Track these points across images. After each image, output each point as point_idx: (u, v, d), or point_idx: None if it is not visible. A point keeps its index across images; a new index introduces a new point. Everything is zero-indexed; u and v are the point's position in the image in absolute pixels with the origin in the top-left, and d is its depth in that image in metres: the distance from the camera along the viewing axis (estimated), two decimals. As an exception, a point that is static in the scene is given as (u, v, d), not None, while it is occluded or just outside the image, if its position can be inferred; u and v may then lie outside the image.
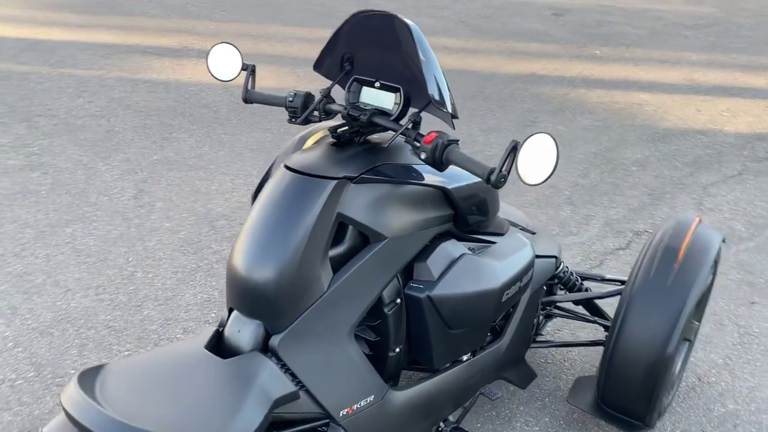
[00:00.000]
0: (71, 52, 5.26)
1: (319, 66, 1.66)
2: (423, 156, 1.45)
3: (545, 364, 2.29)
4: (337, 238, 1.45)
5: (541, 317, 2.11)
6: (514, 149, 1.32)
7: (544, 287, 2.05)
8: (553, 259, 2.03)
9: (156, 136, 3.97)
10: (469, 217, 1.70)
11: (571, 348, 2.29)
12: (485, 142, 4.10)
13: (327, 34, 1.59)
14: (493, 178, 1.34)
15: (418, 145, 1.46)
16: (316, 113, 1.62)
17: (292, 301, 1.38)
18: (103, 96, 4.49)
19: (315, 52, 1.63)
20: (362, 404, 1.49)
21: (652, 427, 1.91)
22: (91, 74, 4.85)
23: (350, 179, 1.44)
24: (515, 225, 2.04)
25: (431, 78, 1.46)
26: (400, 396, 1.60)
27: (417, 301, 1.57)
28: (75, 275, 2.71)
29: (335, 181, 1.42)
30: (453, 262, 1.62)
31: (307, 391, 1.41)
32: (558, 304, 2.17)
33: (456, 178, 1.63)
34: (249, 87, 1.74)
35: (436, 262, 1.61)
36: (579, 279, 2.19)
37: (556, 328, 2.46)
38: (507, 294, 1.70)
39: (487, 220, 1.82)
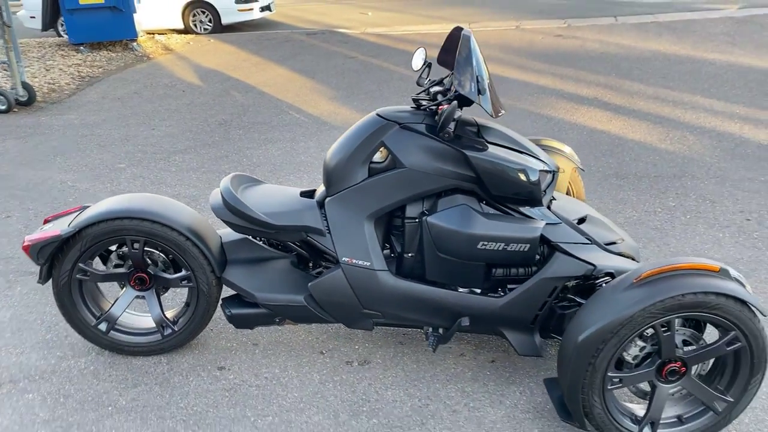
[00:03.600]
0: (520, 90, 6.81)
1: (440, 62, 2.53)
2: (435, 118, 2.21)
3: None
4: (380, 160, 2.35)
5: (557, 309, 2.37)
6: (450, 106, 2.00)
7: (569, 283, 2.33)
8: (587, 266, 2.28)
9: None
10: (492, 187, 2.27)
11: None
12: None
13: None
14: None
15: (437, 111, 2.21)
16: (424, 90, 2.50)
17: (338, 181, 2.37)
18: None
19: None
20: (359, 263, 2.35)
21: (585, 429, 2.06)
22: (519, 105, 6.26)
23: (398, 124, 2.31)
24: (578, 229, 2.37)
25: (458, 73, 2.18)
26: (393, 280, 2.35)
27: (421, 222, 2.31)
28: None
29: (386, 122, 2.32)
30: (454, 206, 2.28)
31: (331, 236, 2.38)
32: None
33: (490, 155, 2.25)
34: (422, 75, 2.69)
35: (444, 202, 2.31)
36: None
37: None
38: (483, 245, 2.23)
39: (522, 203, 2.31)
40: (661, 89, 6.64)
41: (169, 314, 2.59)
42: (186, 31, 11.31)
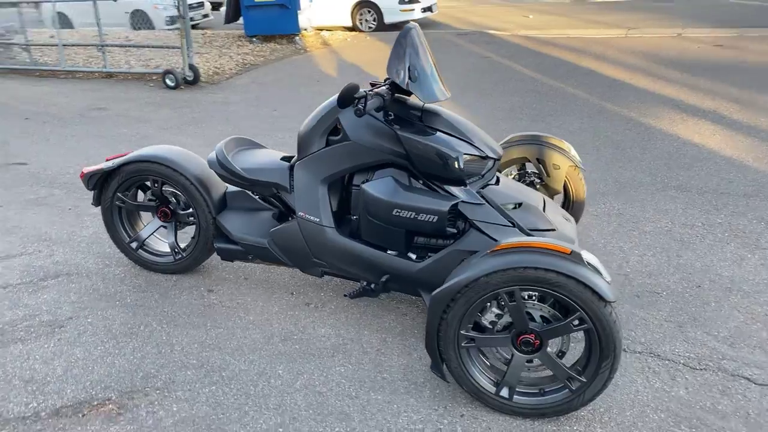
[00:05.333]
0: (634, 97, 6.64)
1: None
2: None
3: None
4: (337, 133, 2.77)
5: None
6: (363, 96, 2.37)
7: None
8: (496, 243, 2.48)
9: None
10: (418, 162, 2.58)
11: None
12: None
13: None
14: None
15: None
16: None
17: (304, 149, 2.84)
18: (590, 124, 5.80)
19: None
20: (311, 218, 2.81)
21: (444, 380, 2.32)
22: (624, 112, 6.17)
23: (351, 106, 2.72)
24: (503, 212, 2.59)
25: (392, 63, 2.53)
26: (336, 236, 2.77)
27: (360, 189, 2.70)
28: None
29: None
30: (383, 177, 2.64)
31: (293, 193, 2.87)
32: None
33: (420, 136, 2.57)
34: None
35: (379, 174, 2.67)
36: None
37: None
38: (397, 212, 2.55)
39: (445, 181, 2.59)
40: (800, 107, 6.00)
41: (182, 244, 3.27)
42: (353, 28, 12.36)
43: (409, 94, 2.72)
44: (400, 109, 2.69)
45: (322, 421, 2.27)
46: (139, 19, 13.77)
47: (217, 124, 6.21)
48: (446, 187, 2.61)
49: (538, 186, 3.40)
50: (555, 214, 2.79)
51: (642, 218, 3.91)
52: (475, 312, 2.19)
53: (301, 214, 2.82)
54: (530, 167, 3.64)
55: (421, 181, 2.65)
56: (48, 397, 2.36)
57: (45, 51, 9.90)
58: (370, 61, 9.15)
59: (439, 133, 2.60)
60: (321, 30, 12.18)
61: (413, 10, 12.17)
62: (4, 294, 3.09)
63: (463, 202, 2.57)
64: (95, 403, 2.33)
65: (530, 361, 2.24)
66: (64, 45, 8.78)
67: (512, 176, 3.46)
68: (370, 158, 2.67)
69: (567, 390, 2.21)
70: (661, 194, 4.26)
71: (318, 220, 2.79)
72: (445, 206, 2.53)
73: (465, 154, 2.56)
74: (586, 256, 2.09)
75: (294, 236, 2.85)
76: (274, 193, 2.94)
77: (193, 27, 13.90)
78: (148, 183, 3.21)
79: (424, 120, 2.65)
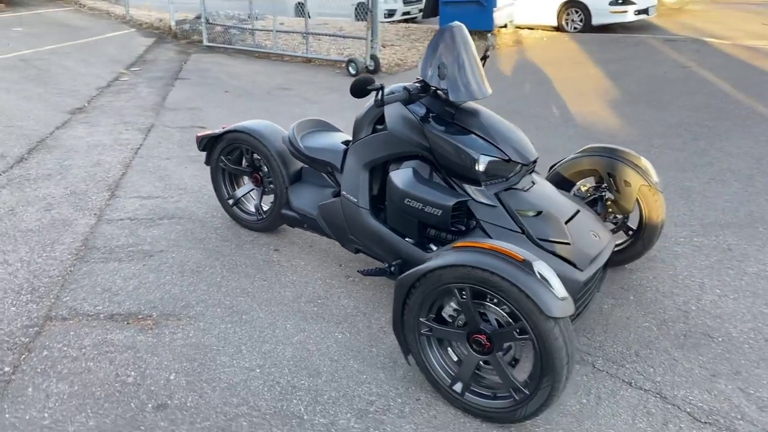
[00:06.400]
0: None
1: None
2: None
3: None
4: (383, 122, 2.98)
5: None
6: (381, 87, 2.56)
7: None
8: None
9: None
10: (439, 157, 2.69)
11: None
12: None
13: None
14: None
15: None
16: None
17: (356, 134, 3.09)
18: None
19: None
20: (350, 198, 3.07)
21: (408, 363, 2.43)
22: None
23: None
24: (515, 218, 2.59)
25: (424, 61, 2.67)
26: (368, 217, 2.99)
27: (389, 176, 2.89)
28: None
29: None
30: (407, 167, 2.79)
31: (342, 172, 3.15)
32: None
33: (445, 132, 2.68)
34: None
35: (405, 164, 2.83)
36: None
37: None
38: (408, 201, 2.69)
39: (462, 179, 2.66)
40: None
41: (265, 206, 3.75)
42: (558, 28, 12.03)
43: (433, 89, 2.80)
44: (438, 105, 2.80)
45: (296, 373, 2.54)
46: (362, 11, 14.95)
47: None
48: (463, 185, 2.67)
49: (608, 202, 3.22)
50: (585, 228, 2.67)
51: (752, 258, 3.44)
52: (432, 302, 2.27)
53: (344, 193, 3.09)
54: (606, 181, 3.44)
55: (441, 176, 2.75)
56: (111, 305, 2.99)
57: (271, 35, 11.37)
58: (552, 61, 8.91)
59: (466, 133, 2.66)
60: (523, 28, 12.08)
61: (626, 12, 11.44)
62: (129, 224, 3.87)
63: (473, 200, 2.62)
64: (140, 316, 2.89)
65: (488, 362, 2.26)
66: (278, 31, 10.03)
67: (586, 188, 3.32)
68: (401, 148, 2.84)
69: (512, 399, 2.18)
70: (791, 235, 3.68)
71: (356, 200, 3.03)
72: (450, 201, 2.60)
73: (486, 155, 2.60)
74: (539, 267, 2.05)
75: (336, 212, 3.14)
76: (329, 171, 3.25)
77: (410, 21, 14.72)
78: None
79: (458, 118, 2.73)
